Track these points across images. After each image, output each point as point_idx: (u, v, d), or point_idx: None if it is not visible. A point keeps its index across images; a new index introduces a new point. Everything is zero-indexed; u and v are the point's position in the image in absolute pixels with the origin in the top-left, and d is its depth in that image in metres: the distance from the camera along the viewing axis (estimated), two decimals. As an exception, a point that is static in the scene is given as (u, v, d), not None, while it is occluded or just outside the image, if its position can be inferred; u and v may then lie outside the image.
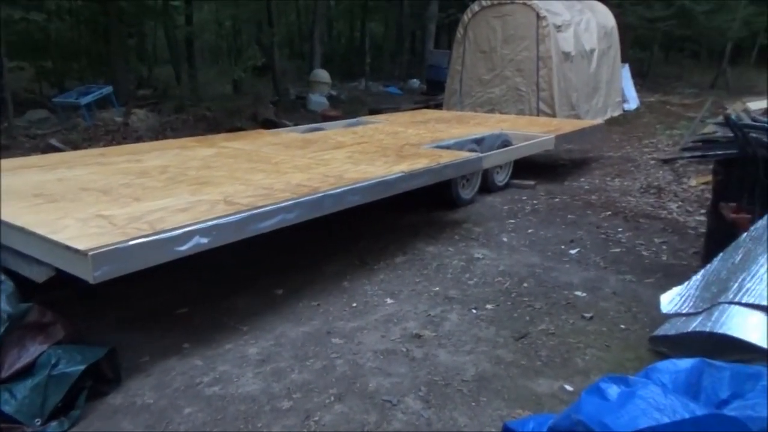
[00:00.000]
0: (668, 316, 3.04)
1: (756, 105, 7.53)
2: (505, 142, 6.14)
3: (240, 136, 6.25)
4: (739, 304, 2.69)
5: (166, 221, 2.90)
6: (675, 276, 3.82)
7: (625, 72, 12.90)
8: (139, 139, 8.87)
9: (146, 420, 2.48)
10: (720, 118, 4.49)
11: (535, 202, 5.99)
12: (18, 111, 10.16)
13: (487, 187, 6.17)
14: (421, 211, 5.55)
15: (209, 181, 3.87)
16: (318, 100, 13.74)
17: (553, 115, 9.27)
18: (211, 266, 4.08)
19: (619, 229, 5.07)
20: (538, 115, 9.36)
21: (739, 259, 3.00)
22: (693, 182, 6.45)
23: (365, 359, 2.94)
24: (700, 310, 2.85)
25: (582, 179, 6.94)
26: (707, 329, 2.68)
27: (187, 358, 2.98)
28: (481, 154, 5.23)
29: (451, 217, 5.44)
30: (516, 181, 6.56)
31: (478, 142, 5.92)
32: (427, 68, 16.48)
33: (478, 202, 5.91)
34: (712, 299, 2.84)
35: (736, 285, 2.80)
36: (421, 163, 4.44)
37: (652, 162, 7.72)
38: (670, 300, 3.03)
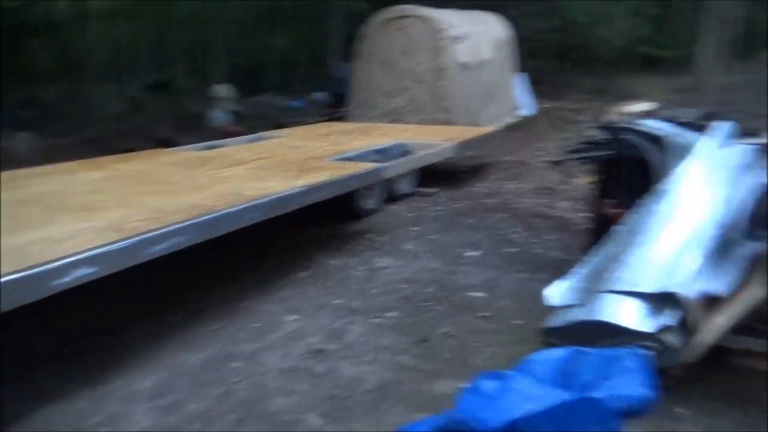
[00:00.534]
0: (555, 308, 3.23)
1: (637, 108, 8.17)
2: (407, 152, 6.28)
3: (133, 157, 5.97)
4: (614, 292, 2.92)
5: (47, 253, 2.71)
6: (564, 270, 4.03)
7: (523, 81, 13.61)
8: (20, 165, 8.23)
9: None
10: (601, 122, 4.84)
11: (437, 208, 6.17)
12: None
13: (393, 196, 6.29)
14: (326, 223, 5.55)
15: (97, 206, 3.65)
16: (220, 116, 13.38)
17: (454, 124, 9.59)
18: (100, 296, 3.84)
19: (515, 230, 5.33)
20: (439, 125, 9.66)
21: (614, 250, 3.26)
22: (582, 181, 6.89)
23: (267, 380, 2.90)
24: (581, 300, 3.05)
25: (481, 184, 7.25)
26: (588, 318, 2.88)
27: (71, 401, 2.77)
28: (382, 165, 5.32)
29: (355, 227, 5.49)
30: (420, 189, 6.73)
31: (381, 152, 6.01)
32: (332, 81, 16.54)
33: (382, 212, 6.00)
34: (592, 289, 3.06)
35: (612, 275, 3.04)
36: (322, 176, 4.43)
37: (544, 164, 8.19)
38: (554, 293, 3.22)
